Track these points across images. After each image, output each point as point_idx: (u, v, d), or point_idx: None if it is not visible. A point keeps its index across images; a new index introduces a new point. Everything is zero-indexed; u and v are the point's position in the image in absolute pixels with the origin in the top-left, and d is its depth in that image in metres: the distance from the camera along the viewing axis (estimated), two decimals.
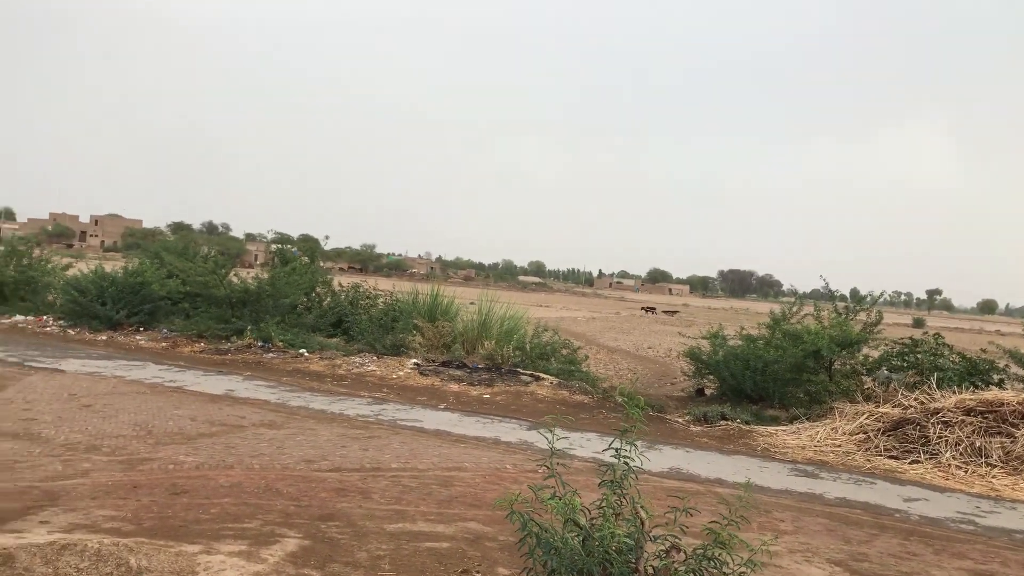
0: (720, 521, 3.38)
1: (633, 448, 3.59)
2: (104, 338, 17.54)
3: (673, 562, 3.35)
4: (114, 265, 22.22)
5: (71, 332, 18.13)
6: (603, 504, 3.43)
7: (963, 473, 10.02)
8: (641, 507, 3.46)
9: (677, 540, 3.45)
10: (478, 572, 5.39)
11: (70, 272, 21.66)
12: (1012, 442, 10.44)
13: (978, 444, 10.50)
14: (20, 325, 18.89)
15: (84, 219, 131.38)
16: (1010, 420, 10.77)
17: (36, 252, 23.03)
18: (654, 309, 66.22)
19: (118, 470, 7.30)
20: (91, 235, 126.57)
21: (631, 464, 3.56)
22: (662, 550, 3.48)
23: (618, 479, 3.44)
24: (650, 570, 3.37)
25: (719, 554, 3.27)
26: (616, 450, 3.56)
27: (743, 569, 3.28)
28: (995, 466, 10.14)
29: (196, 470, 7.52)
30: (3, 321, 19.25)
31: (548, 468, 3.42)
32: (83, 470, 7.20)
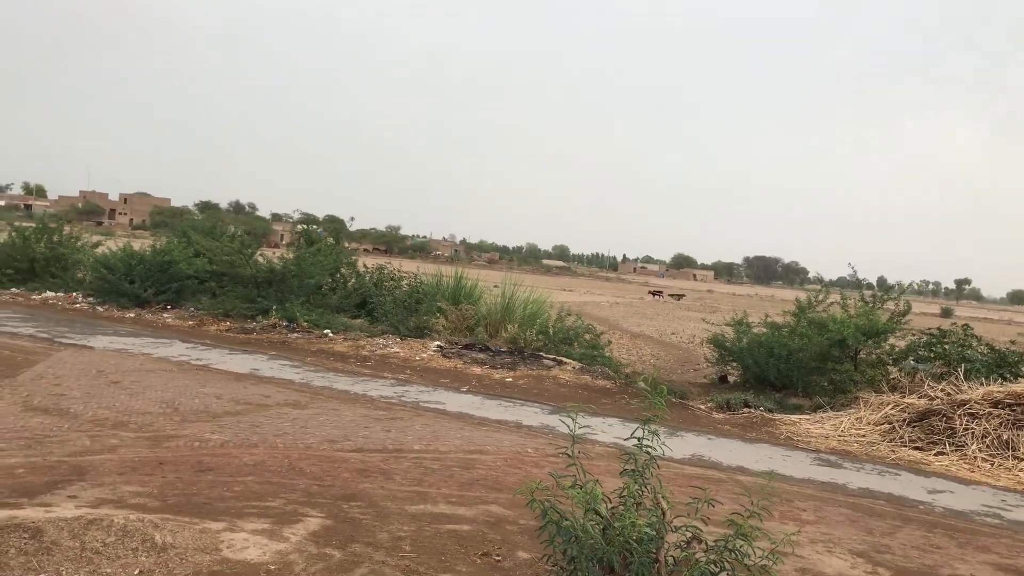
0: (742, 513, 3.36)
1: (655, 437, 3.57)
2: (132, 315, 17.76)
3: (694, 553, 3.34)
4: (142, 243, 22.48)
5: (100, 309, 18.37)
6: (625, 493, 3.42)
7: (989, 466, 9.90)
8: (663, 497, 3.44)
9: (698, 531, 3.43)
10: (498, 556, 5.42)
11: (99, 250, 21.92)
12: None
13: (1005, 437, 10.37)
14: (50, 301, 19.18)
15: (113, 197, 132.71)
16: None
17: (66, 229, 23.34)
18: (661, 293, 65.82)
19: (145, 446, 7.41)
20: (120, 213, 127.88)
21: (653, 454, 3.54)
22: (683, 541, 3.46)
23: (640, 469, 3.43)
24: (671, 561, 3.36)
25: (740, 546, 3.25)
26: (638, 439, 3.54)
27: (765, 561, 3.27)
28: (1022, 459, 10.01)
29: (221, 448, 7.61)
30: (34, 297, 19.56)
31: (570, 456, 3.41)
32: (110, 446, 7.31)
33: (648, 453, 3.49)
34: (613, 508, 3.39)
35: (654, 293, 65.50)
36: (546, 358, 15.08)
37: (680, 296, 64.79)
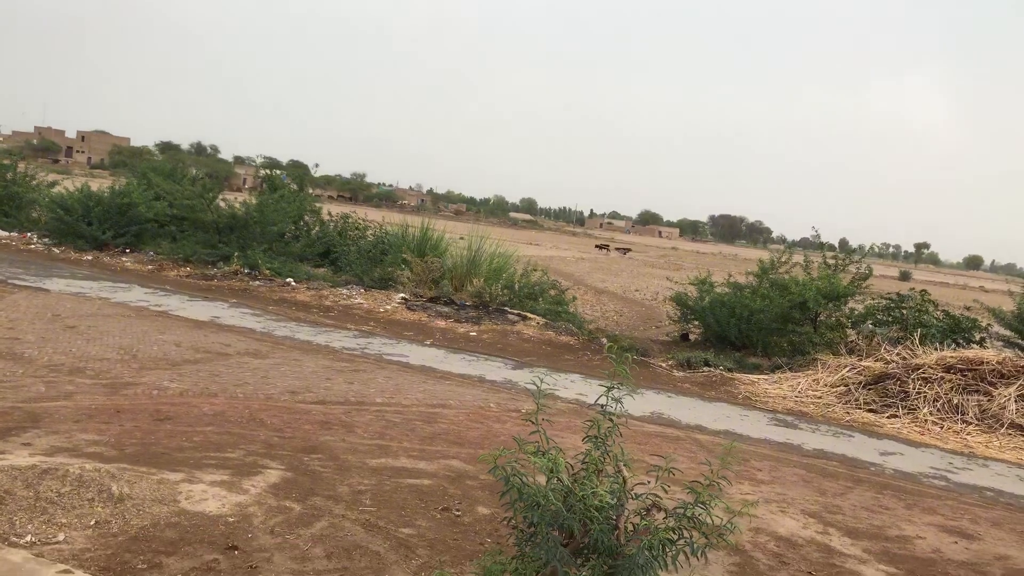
0: (701, 480, 3.39)
1: (619, 404, 3.57)
2: (89, 258, 17.39)
3: (654, 521, 3.38)
4: (101, 184, 21.90)
5: (56, 251, 17.96)
6: (587, 460, 3.43)
7: (939, 429, 10.17)
8: (625, 464, 3.46)
9: (658, 499, 3.47)
10: (458, 511, 5.45)
11: (56, 190, 21.33)
12: (989, 400, 10.59)
13: (955, 401, 10.65)
14: (3, 241, 18.69)
15: (71, 134, 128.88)
16: (988, 379, 10.91)
17: (21, 167, 22.63)
18: (607, 246, 66.51)
19: (101, 394, 7.29)
20: (78, 151, 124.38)
21: (615, 420, 3.55)
22: (643, 508, 3.50)
23: (602, 435, 3.44)
24: (630, 528, 3.39)
25: (699, 514, 3.28)
26: (602, 407, 3.54)
27: (723, 530, 3.31)
28: (970, 423, 10.31)
29: (180, 397, 7.52)
30: None
31: (533, 423, 3.40)
32: (66, 392, 7.19)
33: (611, 420, 3.50)
34: (575, 474, 3.40)
35: (601, 247, 66.02)
36: (511, 313, 15.09)
37: (627, 250, 65.08)
